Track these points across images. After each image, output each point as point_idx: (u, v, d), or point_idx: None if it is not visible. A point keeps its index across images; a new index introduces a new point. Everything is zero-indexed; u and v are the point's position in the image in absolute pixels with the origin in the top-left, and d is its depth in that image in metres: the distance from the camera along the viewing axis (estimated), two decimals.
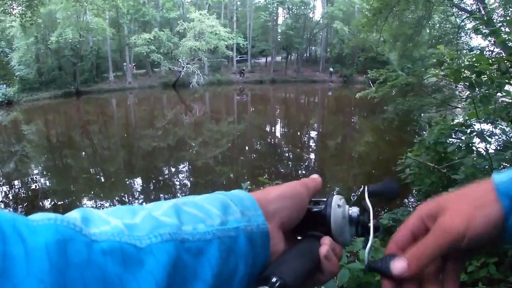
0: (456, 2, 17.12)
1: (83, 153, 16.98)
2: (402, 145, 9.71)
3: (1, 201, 11.52)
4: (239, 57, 47.26)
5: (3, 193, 12.23)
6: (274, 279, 0.42)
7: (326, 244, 0.50)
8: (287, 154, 14.79)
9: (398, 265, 0.48)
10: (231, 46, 42.36)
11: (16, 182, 13.21)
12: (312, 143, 16.97)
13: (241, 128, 19.93)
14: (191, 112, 27.01)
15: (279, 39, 48.00)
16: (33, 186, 12.66)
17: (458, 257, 0.51)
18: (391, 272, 0.48)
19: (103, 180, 12.78)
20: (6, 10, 18.98)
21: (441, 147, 4.05)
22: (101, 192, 11.26)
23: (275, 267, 0.45)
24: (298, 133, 18.79)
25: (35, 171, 14.73)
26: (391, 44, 21.44)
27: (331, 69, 44.81)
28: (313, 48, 52.65)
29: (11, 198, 11.96)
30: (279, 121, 22.66)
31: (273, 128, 20.71)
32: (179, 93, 37.22)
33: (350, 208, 0.55)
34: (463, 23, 17.87)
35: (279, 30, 48.44)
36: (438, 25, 21.03)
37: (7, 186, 12.78)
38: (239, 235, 0.43)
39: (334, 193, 0.55)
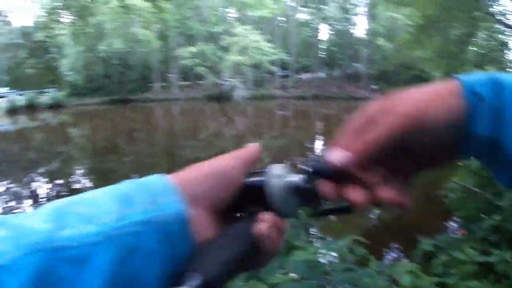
0: (499, 18, 16.33)
1: (126, 158, 17.09)
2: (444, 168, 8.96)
3: (44, 197, 11.76)
4: (282, 73, 47.13)
5: (46, 190, 12.52)
6: (191, 279, 0.37)
7: (262, 222, 0.44)
8: None
9: (337, 153, 0.44)
10: (274, 61, 42.42)
11: (58, 181, 13.48)
12: None
13: (282, 143, 19.48)
14: (233, 125, 26.88)
15: (322, 55, 47.70)
16: (75, 186, 12.86)
17: (409, 164, 0.45)
18: (330, 164, 0.44)
19: None
20: (58, 19, 19.50)
21: (487, 172, 3.55)
22: None
23: (196, 260, 0.39)
24: None
25: (78, 172, 14.99)
26: (435, 61, 20.61)
27: (373, 86, 43.85)
28: (355, 64, 51.91)
29: (53, 196, 12.13)
30: (320, 137, 22.06)
31: (314, 144, 20.16)
32: (222, 106, 37.37)
33: (293, 176, 0.49)
34: (507, 40, 16.96)
35: (322, 46, 48.15)
36: (482, 42, 20.11)
37: (51, 184, 13.10)
38: (145, 229, 0.37)
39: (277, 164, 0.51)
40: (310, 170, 0.47)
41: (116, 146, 19.94)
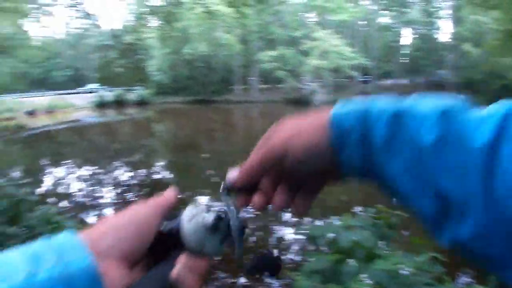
0: None
1: (205, 155, 17.40)
2: None
3: (125, 185, 12.29)
4: (362, 78, 45.60)
5: (128, 178, 13.09)
6: None
7: (178, 265, 0.46)
8: None
9: (231, 175, 0.55)
10: (354, 66, 41.22)
11: (141, 171, 14.07)
12: None
13: None
14: None
15: (404, 61, 45.28)
16: (155, 177, 13.33)
17: (296, 181, 0.53)
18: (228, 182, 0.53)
19: (219, 181, 12.64)
20: (146, 24, 20.55)
21: None
22: (215, 193, 11.05)
23: None
24: None
25: (159, 164, 15.55)
26: None
27: (460, 95, 40.53)
28: (440, 71, 48.55)
29: (133, 184, 12.67)
30: None
31: None
32: (301, 110, 36.97)
33: (206, 215, 0.51)
34: None
35: (404, 51, 45.70)
36: None
37: (133, 173, 13.70)
38: (53, 285, 0.37)
39: (192, 205, 0.54)
40: (222, 188, 0.54)
41: (196, 143, 20.51)
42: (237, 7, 17.62)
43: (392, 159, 0.44)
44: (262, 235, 7.91)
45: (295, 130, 0.50)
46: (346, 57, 38.35)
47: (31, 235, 2.80)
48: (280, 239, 7.68)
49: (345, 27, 45.70)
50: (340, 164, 0.47)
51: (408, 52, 44.31)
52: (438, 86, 46.10)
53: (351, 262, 2.08)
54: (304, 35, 43.83)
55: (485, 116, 0.40)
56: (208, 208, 0.52)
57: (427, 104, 0.44)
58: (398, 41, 45.62)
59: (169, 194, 0.53)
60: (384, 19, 47.49)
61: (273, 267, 0.56)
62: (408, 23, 44.29)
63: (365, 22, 49.10)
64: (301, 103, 39.81)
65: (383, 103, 0.47)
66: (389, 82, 47.21)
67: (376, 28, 45.45)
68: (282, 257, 6.70)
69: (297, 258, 6.80)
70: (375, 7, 46.21)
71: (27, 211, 2.92)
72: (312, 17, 50.74)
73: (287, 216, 9.24)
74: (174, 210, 0.52)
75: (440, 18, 45.32)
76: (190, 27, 42.52)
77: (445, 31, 47.09)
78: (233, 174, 0.54)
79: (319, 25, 44.25)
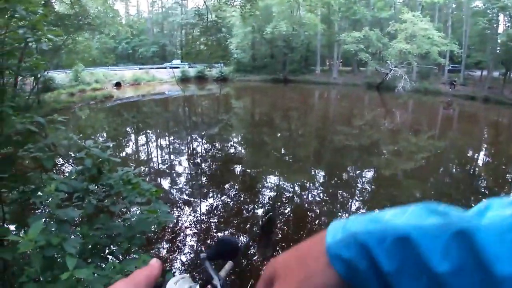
0: None
1: (279, 134, 17.39)
2: None
3: (200, 156, 12.61)
4: (451, 67, 42.18)
5: (204, 150, 13.43)
6: None
7: None
8: (483, 189, 11.90)
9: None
10: (443, 53, 38.23)
11: (216, 144, 14.38)
12: None
13: (440, 146, 17.27)
14: (391, 118, 25.22)
15: (498, 51, 40.95)
16: (230, 150, 13.57)
17: None
18: None
19: (291, 162, 12.67)
20: (228, 2, 20.66)
21: None
22: (285, 173, 11.03)
23: None
24: (503, 167, 15.06)
25: (234, 139, 15.81)
26: None
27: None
28: None
29: (208, 156, 12.97)
30: (484, 148, 18.96)
31: (476, 154, 17.38)
32: (382, 96, 35.60)
33: (188, 286, 0.52)
34: None
35: (499, 41, 41.23)
36: None
37: (209, 146, 14.04)
38: None
39: (176, 276, 0.54)
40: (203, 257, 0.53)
41: (271, 121, 20.59)
42: None
43: (408, 286, 0.40)
44: (327, 221, 7.65)
45: (296, 279, 0.45)
46: (435, 43, 35.68)
47: (109, 193, 2.84)
48: None
49: (435, 9, 42.51)
50: None
51: (501, 41, 39.80)
52: None
53: None
54: (390, 16, 41.64)
55: (506, 228, 0.36)
56: (191, 281, 0.50)
57: (434, 221, 0.40)
58: (494, 29, 41.24)
59: (153, 266, 0.51)
60: (478, 3, 43.19)
61: (232, 251, 0.57)
62: (504, 8, 39.66)
63: (457, 6, 45.31)
64: (382, 88, 38.14)
65: (377, 223, 0.43)
66: (479, 73, 43.31)
67: (470, 12, 41.61)
68: None
69: None
70: None
71: (108, 172, 2.97)
72: None
73: (354, 205, 8.87)
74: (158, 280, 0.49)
75: None
76: (272, 6, 42.35)
77: None
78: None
79: (407, 7, 41.62)
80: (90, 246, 2.52)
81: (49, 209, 2.46)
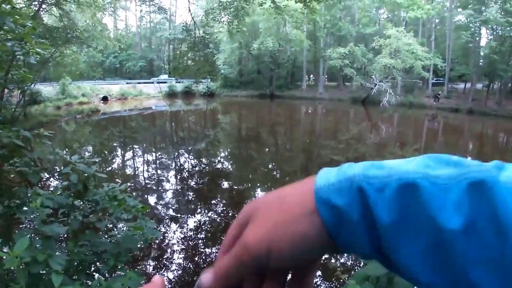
0: None
1: (266, 149, 17.44)
2: None
3: (187, 171, 12.54)
4: (435, 80, 43.05)
5: (191, 165, 13.35)
6: None
7: None
8: None
9: (204, 279, 0.44)
10: (427, 67, 39.03)
11: (203, 160, 14.32)
12: None
13: None
14: (377, 131, 25.53)
15: (481, 64, 41.91)
16: (217, 166, 13.51)
17: (284, 274, 0.43)
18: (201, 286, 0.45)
19: (278, 177, 12.68)
20: (216, 18, 20.96)
21: None
22: (274, 187, 10.85)
23: None
24: None
25: (222, 154, 15.77)
26: None
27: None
28: None
29: (195, 171, 12.90)
30: (469, 159, 19.30)
31: None
32: (367, 110, 36.09)
33: None
34: None
35: (482, 54, 42.20)
36: None
37: (196, 161, 13.97)
38: None
39: None
40: None
41: (258, 136, 20.66)
42: (306, 2, 17.40)
43: (405, 244, 0.35)
44: None
45: (273, 220, 0.39)
46: (419, 57, 36.48)
47: (94, 209, 2.82)
48: None
49: (419, 25, 43.50)
50: (339, 247, 0.38)
51: (484, 54, 40.77)
52: None
53: None
54: (375, 32, 42.43)
55: None
56: None
57: (446, 171, 0.35)
58: (476, 42, 42.26)
59: (157, 283, 0.45)
60: (461, 18, 44.35)
61: None
62: (486, 22, 40.67)
63: (439, 20, 46.37)
64: (367, 103, 38.64)
65: (380, 168, 0.38)
66: (462, 86, 44.21)
67: (452, 27, 42.67)
68: (333, 261, 6.43)
69: (348, 262, 6.50)
70: (451, 4, 43.28)
71: (94, 187, 2.96)
72: (383, 13, 48.97)
73: None
74: None
75: None
76: (258, 22, 42.88)
77: None
78: (206, 277, 0.43)
79: (391, 22, 42.53)
80: (76, 263, 2.49)
81: (35, 225, 2.44)
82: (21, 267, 1.92)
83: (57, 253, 2.19)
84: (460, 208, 0.32)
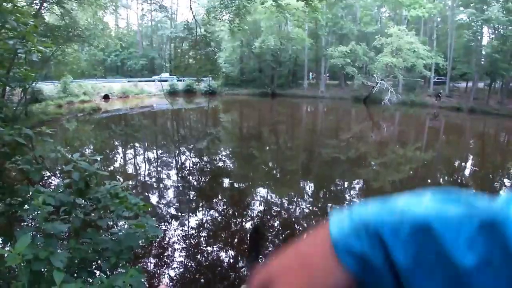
0: None
1: (267, 147, 17.44)
2: None
3: (188, 170, 12.56)
4: (437, 79, 42.92)
5: (192, 163, 13.37)
6: None
7: None
8: None
9: None
10: (429, 66, 39.00)
11: (205, 158, 14.33)
12: (503, 193, 13.25)
13: (427, 157, 17.53)
14: (378, 130, 25.51)
15: (482, 63, 41.84)
16: (218, 164, 13.54)
17: None
18: None
19: (279, 176, 12.72)
20: (217, 17, 20.99)
21: None
22: (274, 186, 11.05)
23: None
24: (490, 176, 15.32)
25: (223, 153, 15.79)
26: None
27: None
28: None
29: (196, 170, 12.92)
30: (470, 158, 19.28)
31: (462, 164, 17.67)
32: (369, 109, 36.06)
33: None
34: None
35: (483, 52, 42.13)
36: None
37: (197, 159, 13.99)
38: None
39: None
40: None
41: (259, 134, 20.67)
42: (308, 0, 17.39)
43: (424, 282, 0.36)
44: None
45: (301, 277, 0.39)
46: (420, 56, 36.41)
47: (96, 207, 2.83)
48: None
49: (421, 23, 43.42)
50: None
51: (486, 53, 40.72)
52: None
53: None
54: (376, 30, 42.33)
55: None
56: None
57: (457, 210, 0.36)
58: (478, 41, 42.20)
59: None
60: (463, 16, 44.30)
61: None
62: (488, 21, 40.60)
63: (440, 19, 46.23)
64: (369, 101, 38.58)
65: (392, 211, 0.38)
66: (464, 85, 44.13)
67: (455, 26, 42.57)
68: None
69: None
70: (453, 3, 43.17)
71: (95, 185, 2.96)
72: (385, 12, 48.85)
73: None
74: None
75: None
76: (260, 21, 42.86)
77: None
78: None
79: (392, 21, 42.45)
80: (77, 261, 2.50)
81: (37, 223, 2.44)
82: (22, 264, 1.93)
83: (58, 251, 2.20)
84: (474, 246, 0.33)
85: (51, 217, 2.59)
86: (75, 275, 2.47)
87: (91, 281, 2.33)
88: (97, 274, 2.53)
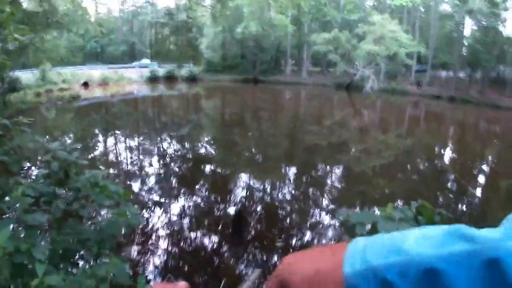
0: None
1: (250, 133, 17.47)
2: None
3: (170, 157, 12.56)
4: (418, 67, 43.52)
5: (174, 150, 13.37)
6: None
7: None
8: (450, 184, 12.32)
9: None
10: (411, 55, 39.44)
11: (186, 145, 14.33)
12: (481, 180, 13.73)
13: (407, 144, 17.87)
14: (359, 117, 25.79)
15: (464, 53, 42.58)
16: (200, 151, 13.57)
17: None
18: None
19: (261, 161, 12.79)
20: (198, 2, 20.63)
21: None
22: (256, 172, 11.12)
23: None
24: (469, 163, 15.60)
25: (205, 139, 15.79)
26: None
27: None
28: (502, 67, 44.87)
29: (178, 157, 12.92)
30: (450, 145, 19.67)
31: (441, 151, 18.04)
32: (351, 96, 36.35)
33: None
34: None
35: (466, 43, 42.87)
36: None
37: (178, 146, 13.98)
38: None
39: None
40: None
41: (242, 121, 20.67)
42: None
43: None
44: (297, 219, 7.81)
45: (307, 277, 0.43)
46: (402, 44, 36.76)
47: (76, 197, 2.82)
48: (316, 224, 7.60)
49: (404, 12, 43.74)
50: None
51: (468, 44, 41.44)
52: (498, 83, 42.82)
53: None
54: (360, 18, 42.48)
55: None
56: None
57: (461, 247, 0.37)
58: (460, 32, 42.81)
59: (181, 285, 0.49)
60: (446, 7, 44.79)
61: None
62: (471, 12, 41.22)
63: (424, 9, 46.68)
64: (351, 89, 38.88)
65: (399, 254, 0.40)
66: (445, 74, 44.81)
67: (437, 16, 43.02)
68: (318, 242, 6.65)
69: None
70: None
71: (75, 174, 2.94)
72: (369, 0, 48.99)
73: (324, 202, 9.07)
74: None
75: (506, 9, 41.86)
76: (242, 6, 42.52)
77: (509, 24, 43.39)
78: None
79: (376, 9, 42.63)
80: (60, 252, 2.50)
81: (17, 215, 2.43)
82: (5, 257, 1.93)
83: (41, 243, 2.20)
84: (478, 283, 0.35)
85: (32, 209, 2.58)
86: (58, 266, 2.47)
87: (74, 271, 2.34)
88: (80, 265, 2.53)
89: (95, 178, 2.86)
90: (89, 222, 3.21)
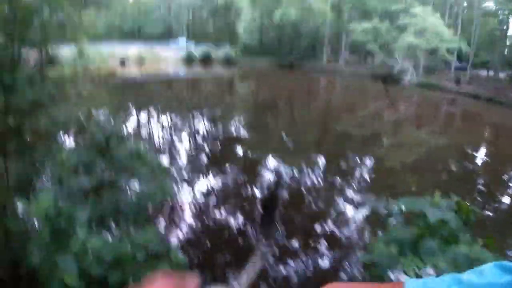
0: None
1: (282, 118, 17.42)
2: None
3: (203, 136, 12.73)
4: (458, 64, 41.99)
5: (206, 131, 13.57)
6: None
7: None
8: (480, 186, 11.82)
9: None
10: (452, 50, 38.00)
11: (218, 125, 14.47)
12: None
13: (441, 142, 17.30)
14: (394, 110, 25.18)
15: (506, 53, 40.78)
16: (231, 131, 13.64)
17: None
18: None
19: (291, 146, 12.69)
20: None
21: None
22: (287, 156, 11.02)
23: None
24: (501, 167, 14.90)
25: (237, 120, 15.86)
26: None
27: None
28: None
29: (210, 136, 13.09)
30: (483, 147, 18.91)
31: (475, 152, 17.35)
32: (387, 88, 35.46)
33: None
34: None
35: (508, 43, 41.01)
36: None
37: (211, 125, 14.15)
38: None
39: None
40: None
41: (275, 105, 20.62)
42: None
43: None
44: (324, 208, 7.74)
45: None
46: (444, 39, 35.40)
47: (116, 166, 2.87)
48: (342, 213, 7.52)
49: (447, 6, 42.13)
50: None
51: (510, 43, 39.60)
52: None
53: (430, 240, 2.08)
54: (402, 9, 41.19)
55: None
56: None
57: (508, 279, 0.40)
58: (504, 31, 40.94)
59: (191, 278, 0.50)
60: (490, 4, 42.84)
61: None
62: None
63: (467, 4, 44.86)
64: (387, 80, 37.93)
65: (461, 283, 0.42)
66: (485, 73, 43.04)
67: (481, 12, 41.19)
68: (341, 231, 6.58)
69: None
70: None
71: (117, 145, 3.00)
72: None
73: (351, 191, 8.95)
74: None
75: None
76: None
77: None
78: None
79: (419, 1, 41.23)
80: (97, 217, 2.56)
81: (58, 179, 2.49)
82: (46, 219, 1.98)
83: (81, 207, 2.26)
84: None
85: (73, 175, 2.65)
86: (94, 232, 2.53)
87: (110, 237, 2.40)
88: (115, 232, 2.59)
89: (137, 150, 2.91)
90: (127, 192, 3.28)
